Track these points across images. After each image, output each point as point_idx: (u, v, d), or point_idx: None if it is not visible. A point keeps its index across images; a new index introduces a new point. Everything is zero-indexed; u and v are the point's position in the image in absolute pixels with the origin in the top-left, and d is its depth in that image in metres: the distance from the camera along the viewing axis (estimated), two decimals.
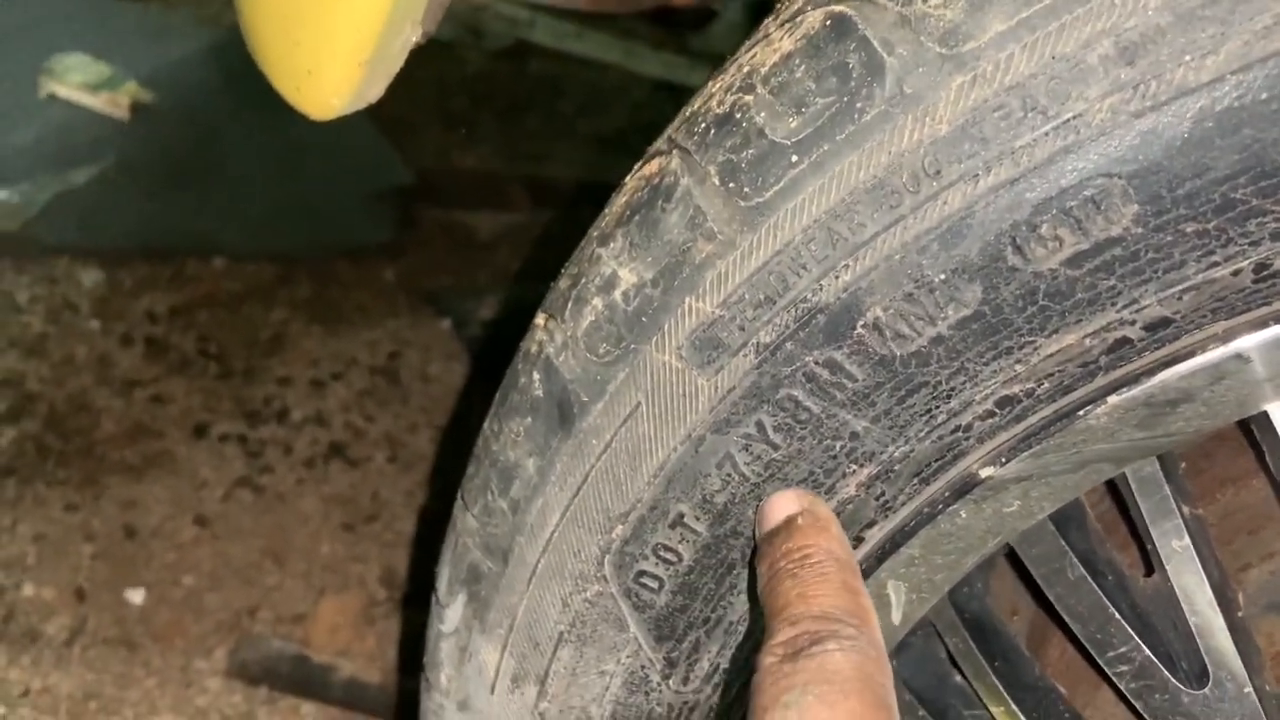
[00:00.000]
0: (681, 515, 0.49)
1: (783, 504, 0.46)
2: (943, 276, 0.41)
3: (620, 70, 2.64)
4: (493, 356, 1.71)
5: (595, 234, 0.52)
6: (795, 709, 0.35)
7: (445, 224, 2.03)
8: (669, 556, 0.51)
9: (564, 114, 2.54)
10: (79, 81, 2.01)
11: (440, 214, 2.04)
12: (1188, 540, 0.51)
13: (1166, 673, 0.52)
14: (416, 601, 1.34)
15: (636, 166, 0.52)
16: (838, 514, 0.48)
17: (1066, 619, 0.54)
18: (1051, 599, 0.54)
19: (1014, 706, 0.56)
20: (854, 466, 0.47)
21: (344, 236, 1.90)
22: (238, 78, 1.98)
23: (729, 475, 0.48)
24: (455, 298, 1.85)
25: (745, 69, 0.46)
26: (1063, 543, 0.53)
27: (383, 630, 1.29)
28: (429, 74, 2.47)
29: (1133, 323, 0.41)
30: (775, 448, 0.47)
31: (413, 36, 0.59)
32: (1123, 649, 0.53)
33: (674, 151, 0.48)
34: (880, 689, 0.36)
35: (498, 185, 2.19)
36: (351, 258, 1.87)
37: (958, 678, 0.61)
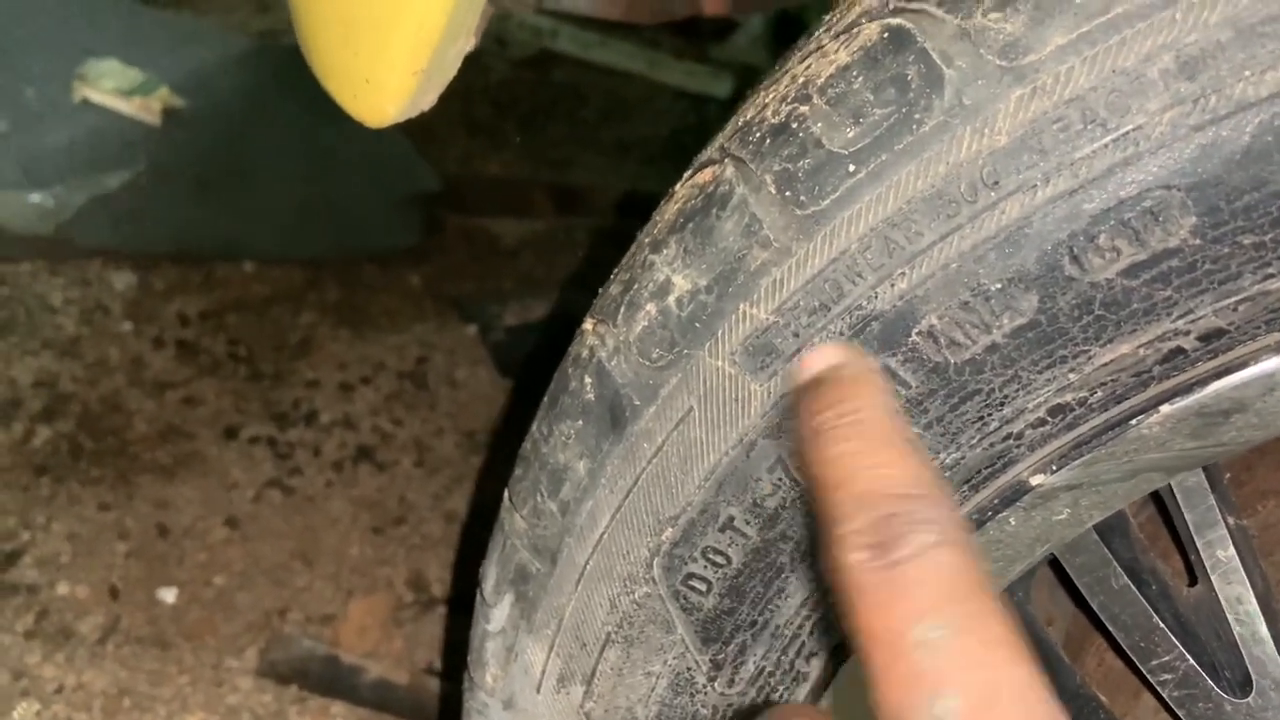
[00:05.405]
0: (731, 519, 0.50)
1: (823, 354, 0.38)
2: (999, 285, 0.42)
3: (643, 79, 2.66)
4: (518, 362, 1.72)
5: (647, 240, 0.53)
6: (943, 654, 0.27)
7: (470, 230, 2.05)
8: (718, 559, 0.51)
9: (587, 122, 2.56)
10: (111, 87, 2.04)
11: (465, 220, 2.06)
12: (1233, 550, 0.52)
13: (1210, 681, 0.53)
14: (444, 604, 1.35)
15: (687, 175, 0.53)
16: None
17: (1110, 627, 0.54)
18: (1095, 607, 0.54)
19: None
20: None
21: (371, 241, 1.92)
22: (267, 84, 2.02)
23: (780, 480, 0.48)
24: (480, 303, 1.86)
25: (800, 80, 0.47)
26: (1107, 552, 0.54)
27: (410, 632, 1.30)
28: (454, 82, 2.49)
29: (1187, 333, 0.41)
30: None
31: (465, 46, 0.60)
32: (1166, 658, 0.54)
33: (727, 160, 0.49)
34: (989, 586, 0.29)
35: (521, 192, 2.21)
36: (378, 262, 1.88)
37: None
